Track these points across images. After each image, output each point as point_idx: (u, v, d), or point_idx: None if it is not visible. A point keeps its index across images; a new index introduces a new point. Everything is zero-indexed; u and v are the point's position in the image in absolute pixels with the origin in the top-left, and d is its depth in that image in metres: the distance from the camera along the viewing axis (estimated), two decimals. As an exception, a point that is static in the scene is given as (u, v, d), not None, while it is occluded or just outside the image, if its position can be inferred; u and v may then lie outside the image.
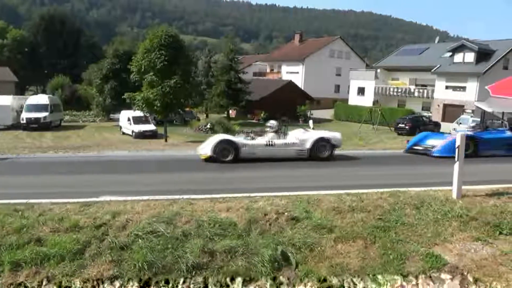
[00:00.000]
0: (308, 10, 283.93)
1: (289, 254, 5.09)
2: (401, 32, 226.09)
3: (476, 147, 12.61)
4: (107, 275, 4.68)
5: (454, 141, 12.05)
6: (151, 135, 26.12)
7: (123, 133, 28.53)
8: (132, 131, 26.85)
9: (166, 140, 23.02)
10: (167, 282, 4.67)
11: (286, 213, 5.97)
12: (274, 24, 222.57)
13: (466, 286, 4.72)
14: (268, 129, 12.43)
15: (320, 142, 11.84)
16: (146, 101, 22.50)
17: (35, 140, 23.46)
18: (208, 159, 11.29)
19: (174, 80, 21.99)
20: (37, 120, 29.01)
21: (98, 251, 4.99)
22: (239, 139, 11.69)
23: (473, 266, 4.94)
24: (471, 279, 4.77)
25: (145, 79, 22.73)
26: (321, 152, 11.81)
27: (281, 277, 4.80)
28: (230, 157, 11.21)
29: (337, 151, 12.45)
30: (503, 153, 12.75)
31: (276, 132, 12.16)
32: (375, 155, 14.38)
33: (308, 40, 63.26)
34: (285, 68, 56.30)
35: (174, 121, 33.69)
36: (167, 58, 22.01)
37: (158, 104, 22.41)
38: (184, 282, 4.69)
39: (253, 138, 11.82)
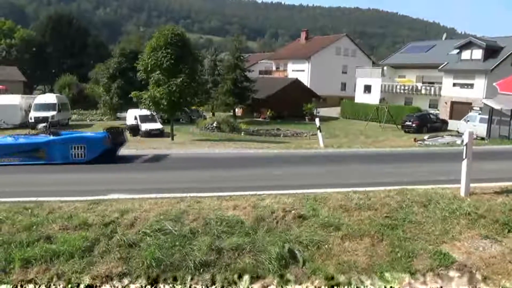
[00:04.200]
0: (314, 8, 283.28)
1: (296, 252, 5.09)
2: (408, 29, 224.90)
3: None
4: (116, 272, 4.72)
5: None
6: (158, 133, 26.26)
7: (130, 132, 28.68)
8: (139, 130, 27.00)
9: (172, 139, 23.11)
10: (175, 279, 4.70)
11: (293, 211, 5.96)
12: (280, 22, 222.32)
13: (475, 284, 4.69)
14: None
15: None
16: (153, 99, 22.60)
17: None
18: None
19: (181, 79, 22.06)
20: (45, 119, 29.27)
21: (107, 249, 5.03)
22: None
23: (481, 264, 4.91)
24: (479, 277, 4.75)
25: (152, 78, 22.83)
26: None
27: (288, 274, 4.81)
28: None
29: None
30: (18, 162, 10.29)
31: None
32: (382, 153, 14.29)
33: (314, 38, 63.05)
34: (291, 66, 56.18)
35: (181, 120, 33.82)
36: (173, 56, 22.08)
37: (165, 103, 22.49)
38: (192, 279, 4.71)
39: None
